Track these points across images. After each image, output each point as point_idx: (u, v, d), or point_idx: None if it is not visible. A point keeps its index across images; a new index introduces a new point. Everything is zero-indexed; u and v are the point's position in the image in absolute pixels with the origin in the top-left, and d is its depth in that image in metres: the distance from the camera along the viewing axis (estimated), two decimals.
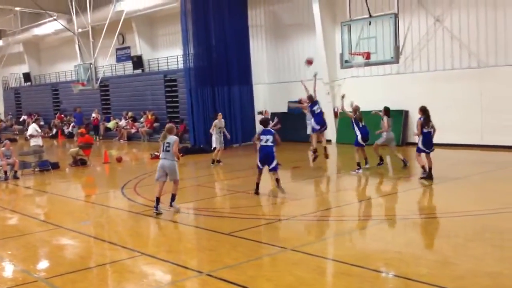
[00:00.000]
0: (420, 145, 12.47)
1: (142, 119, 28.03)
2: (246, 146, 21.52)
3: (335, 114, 21.02)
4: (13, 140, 18.84)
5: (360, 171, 13.70)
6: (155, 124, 27.29)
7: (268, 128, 12.13)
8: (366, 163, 14.41)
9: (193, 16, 21.32)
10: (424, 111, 12.47)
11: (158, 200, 10.33)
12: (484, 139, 16.90)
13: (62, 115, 34.77)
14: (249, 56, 22.79)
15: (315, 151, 15.93)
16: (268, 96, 23.97)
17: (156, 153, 19.58)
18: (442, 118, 17.72)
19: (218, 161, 16.70)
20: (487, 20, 16.87)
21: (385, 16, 15.23)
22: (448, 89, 17.68)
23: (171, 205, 10.47)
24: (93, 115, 30.08)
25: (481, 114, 16.98)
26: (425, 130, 12.33)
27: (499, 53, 16.70)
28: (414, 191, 11.68)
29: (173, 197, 10.46)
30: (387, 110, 14.64)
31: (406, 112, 18.77)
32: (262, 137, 11.85)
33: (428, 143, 12.36)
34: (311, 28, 21.21)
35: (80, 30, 27.71)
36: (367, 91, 19.59)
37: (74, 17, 27.59)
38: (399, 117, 18.45)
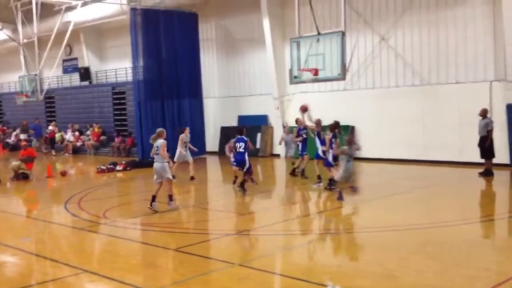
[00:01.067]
0: (331, 159, 12.97)
1: (88, 132, 27.42)
2: (196, 160, 21.37)
3: (284, 129, 21.21)
4: None
5: (321, 184, 13.81)
6: (102, 137, 26.76)
7: (243, 136, 13.42)
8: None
9: (143, 29, 21.16)
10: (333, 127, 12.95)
11: (154, 197, 11.36)
12: (427, 154, 17.49)
13: (5, 128, 33.57)
14: (199, 70, 22.78)
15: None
16: (218, 110, 24.01)
17: (102, 167, 19.21)
18: (387, 134, 18.34)
19: (192, 178, 15.95)
20: (429, 40, 17.56)
21: (333, 34, 15.59)
22: (392, 105, 18.25)
23: (169, 204, 11.48)
24: (50, 127, 28.98)
25: (423, 130, 17.59)
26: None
27: (441, 71, 17.39)
28: (357, 206, 11.91)
29: (169, 197, 11.52)
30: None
31: (353, 128, 19.21)
32: (236, 144, 13.26)
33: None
34: (261, 44, 21.46)
35: (25, 40, 26.94)
36: (315, 106, 19.88)
37: (19, 27, 26.81)
38: (345, 132, 18.84)
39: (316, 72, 16.20)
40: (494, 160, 14.73)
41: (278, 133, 20.79)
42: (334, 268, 7.42)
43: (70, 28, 24.88)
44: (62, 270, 7.91)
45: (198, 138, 22.44)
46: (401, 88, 18.28)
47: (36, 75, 25.85)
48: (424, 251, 8.17)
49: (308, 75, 16.39)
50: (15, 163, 18.20)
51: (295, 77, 16.77)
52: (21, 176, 17.60)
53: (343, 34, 15.40)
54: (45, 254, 9.04)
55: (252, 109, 22.63)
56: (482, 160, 14.75)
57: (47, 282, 7.54)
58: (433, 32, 17.46)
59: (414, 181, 14.75)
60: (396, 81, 18.45)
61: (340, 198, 11.85)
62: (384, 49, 18.60)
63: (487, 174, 14.47)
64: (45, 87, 26.66)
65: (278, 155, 21.35)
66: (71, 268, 7.93)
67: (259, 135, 21.79)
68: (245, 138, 13.45)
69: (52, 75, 28.17)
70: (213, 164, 21.65)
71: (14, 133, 31.12)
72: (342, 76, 15.74)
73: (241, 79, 23.24)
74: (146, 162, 20.39)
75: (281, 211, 12.28)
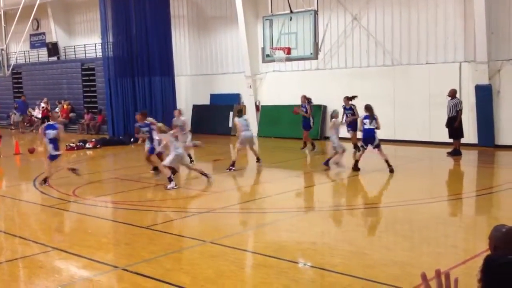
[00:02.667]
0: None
1: (57, 109, 26.86)
2: None
3: (257, 107, 21.23)
4: None
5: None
6: (71, 114, 26.28)
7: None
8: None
9: (112, 4, 20.71)
10: (367, 108, 12.77)
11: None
12: (397, 134, 17.72)
13: None
14: (171, 47, 22.45)
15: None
16: (190, 88, 23.80)
17: (72, 144, 18.89)
18: (358, 114, 18.47)
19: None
20: (401, 20, 17.66)
21: (306, 13, 15.57)
22: (364, 85, 18.33)
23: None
24: (42, 104, 27.18)
25: (393, 110, 17.78)
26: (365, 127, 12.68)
27: (412, 52, 17.54)
28: (329, 184, 12.05)
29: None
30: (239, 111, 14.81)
31: (325, 107, 19.30)
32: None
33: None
34: (234, 22, 21.25)
35: None
36: (288, 85, 19.96)
37: None
38: (317, 111, 18.94)
39: (288, 51, 16.20)
40: (463, 140, 15.03)
41: (250, 112, 20.74)
42: (306, 245, 7.50)
43: (38, 2, 24.13)
44: (31, 247, 7.82)
45: (169, 117, 22.24)
46: (373, 68, 18.40)
47: (2, 49, 25.08)
48: (393, 229, 8.34)
49: (280, 54, 16.38)
50: None
51: (268, 55, 16.74)
52: None
53: (316, 13, 15.38)
54: (14, 231, 8.90)
55: (225, 87, 22.50)
56: (451, 140, 15.04)
57: (17, 259, 7.44)
58: (405, 13, 17.56)
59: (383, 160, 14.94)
60: (368, 61, 18.54)
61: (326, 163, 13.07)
62: (356, 29, 18.64)
63: (456, 153, 14.76)
64: (12, 62, 25.91)
65: None
66: (40, 245, 7.84)
67: (231, 113, 21.70)
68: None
69: (19, 50, 27.39)
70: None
71: None
72: (315, 56, 15.78)
73: (213, 57, 23.03)
74: (116, 140, 20.23)
75: (251, 189, 12.33)
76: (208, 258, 7.05)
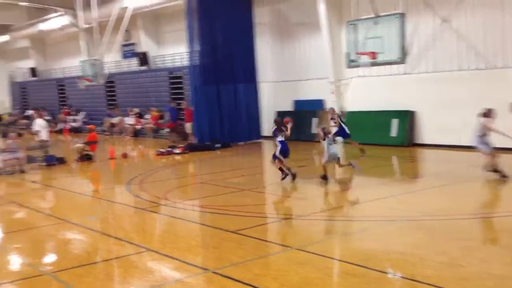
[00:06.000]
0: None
1: (147, 116, 28.06)
2: (252, 144, 21.58)
3: (341, 114, 20.94)
4: (19, 135, 18.94)
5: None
6: (160, 121, 27.31)
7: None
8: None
9: (198, 14, 21.30)
10: None
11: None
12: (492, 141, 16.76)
13: (68, 110, 34.88)
14: (254, 54, 22.76)
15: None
16: (273, 95, 23.96)
17: (161, 150, 19.64)
18: (449, 119, 17.76)
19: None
20: (494, 21, 16.80)
21: (392, 16, 15.29)
22: (455, 90, 17.61)
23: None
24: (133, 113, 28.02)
25: None
26: None
27: (507, 54, 16.62)
28: (421, 192, 11.65)
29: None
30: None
31: (412, 113, 18.72)
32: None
33: None
34: (317, 27, 21.16)
35: (86, 26, 27.71)
36: (373, 91, 19.57)
37: (79, 13, 27.61)
38: (405, 117, 18.45)
39: (374, 55, 15.97)
40: None
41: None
42: (396, 255, 7.30)
43: (129, 14, 25.40)
44: (126, 248, 8.19)
45: (253, 123, 22.61)
46: (464, 71, 17.61)
47: (97, 59, 26.60)
48: (492, 240, 7.92)
49: (365, 59, 16.17)
50: (79, 145, 18.92)
51: (352, 60, 16.61)
52: (85, 158, 18.24)
53: (403, 16, 15.05)
54: (109, 232, 9.37)
55: (308, 93, 22.45)
56: None
57: (112, 259, 7.82)
58: (498, 13, 16.68)
59: (479, 168, 14.23)
60: (459, 64, 17.77)
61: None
62: (446, 32, 17.94)
63: None
64: (105, 71, 27.37)
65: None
66: (134, 246, 8.19)
67: (314, 120, 21.60)
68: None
69: (111, 60, 28.88)
70: (269, 149, 21.70)
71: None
72: (402, 60, 15.44)
73: (296, 63, 23.05)
74: (202, 145, 20.77)
75: (338, 196, 12.18)
76: (295, 264, 7.04)
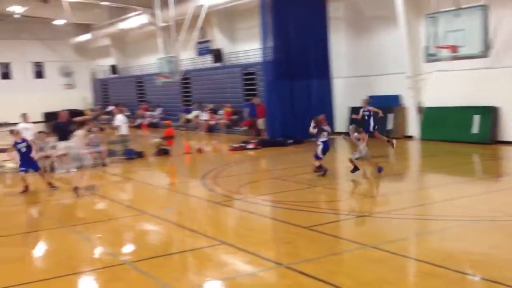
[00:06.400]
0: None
1: (221, 112, 28.51)
2: None
3: (419, 109, 20.32)
4: (101, 129, 19.87)
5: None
6: (233, 117, 27.65)
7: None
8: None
9: (272, 10, 21.32)
10: None
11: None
12: None
13: (146, 106, 36.11)
14: (328, 50, 22.51)
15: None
16: (347, 90, 23.59)
17: (235, 145, 19.89)
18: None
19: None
20: None
21: (474, 8, 14.59)
22: None
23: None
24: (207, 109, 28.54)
25: None
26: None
27: None
28: (504, 192, 11.08)
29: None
30: None
31: (496, 109, 17.82)
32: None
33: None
34: (393, 21, 20.61)
35: (163, 24, 28.52)
36: (453, 86, 18.80)
37: (157, 11, 28.48)
38: (487, 114, 17.60)
39: (454, 49, 15.31)
40: None
41: (411, 114, 20.01)
42: (477, 256, 6.98)
43: (204, 12, 25.89)
44: (200, 240, 8.36)
45: (327, 119, 22.30)
46: None
47: (174, 57, 27.33)
48: None
49: (445, 53, 15.55)
50: (156, 140, 19.54)
51: (431, 54, 16.01)
52: (162, 152, 18.80)
53: (486, 8, 14.33)
54: (184, 224, 9.59)
55: (383, 89, 21.92)
56: None
57: (187, 251, 8.00)
58: None
59: None
60: None
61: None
62: None
63: None
64: (181, 68, 28.04)
65: (410, 137, 20.54)
66: (208, 239, 8.35)
67: (390, 116, 21.07)
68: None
69: (187, 57, 29.55)
70: (342, 145, 21.42)
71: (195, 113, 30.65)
72: (485, 53, 14.71)
73: (371, 58, 22.55)
74: (275, 141, 20.82)
75: (414, 195, 11.81)
76: (370, 262, 6.91)
